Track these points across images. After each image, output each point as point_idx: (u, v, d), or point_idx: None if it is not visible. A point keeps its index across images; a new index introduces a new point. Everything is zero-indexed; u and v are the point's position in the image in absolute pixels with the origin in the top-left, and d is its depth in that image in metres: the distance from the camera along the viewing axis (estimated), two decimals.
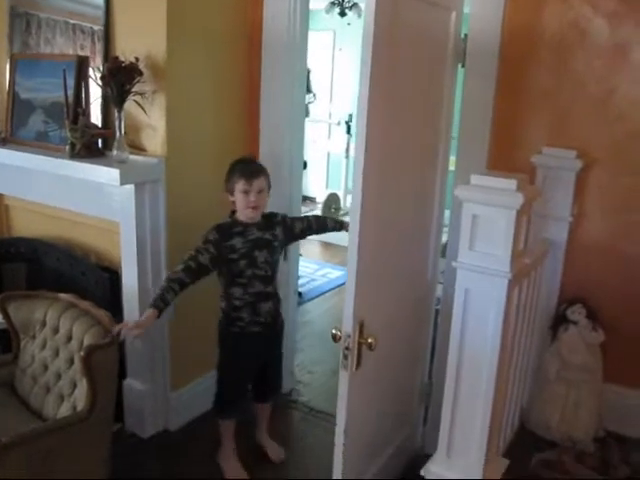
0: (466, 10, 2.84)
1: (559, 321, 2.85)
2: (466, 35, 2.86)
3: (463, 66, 2.90)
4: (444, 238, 3.19)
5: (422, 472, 2.31)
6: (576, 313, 2.80)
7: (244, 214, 2.93)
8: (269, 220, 3.04)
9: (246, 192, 2.88)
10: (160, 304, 2.71)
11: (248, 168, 2.93)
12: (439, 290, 3.27)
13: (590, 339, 2.79)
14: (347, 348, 2.19)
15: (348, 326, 2.19)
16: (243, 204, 2.90)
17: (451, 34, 2.78)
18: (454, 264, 2.10)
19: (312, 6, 3.56)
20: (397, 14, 2.15)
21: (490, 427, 2.22)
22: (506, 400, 2.49)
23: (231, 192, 2.93)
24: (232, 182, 2.91)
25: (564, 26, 2.74)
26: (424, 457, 3.14)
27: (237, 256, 2.91)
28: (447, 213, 3.06)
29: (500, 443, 2.53)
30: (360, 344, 2.23)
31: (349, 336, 2.18)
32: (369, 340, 2.22)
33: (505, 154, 2.94)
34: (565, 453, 2.75)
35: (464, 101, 2.97)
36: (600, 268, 2.85)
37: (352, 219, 2.15)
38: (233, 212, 2.99)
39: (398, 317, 2.79)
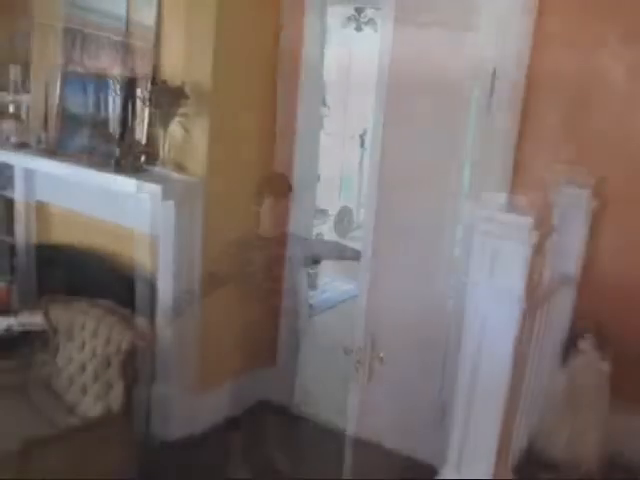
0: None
1: (570, 349, 2.99)
2: (494, 70, 3.03)
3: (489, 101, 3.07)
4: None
5: None
6: (586, 343, 2.94)
7: (266, 229, 3.14)
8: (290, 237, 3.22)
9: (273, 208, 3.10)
10: None
11: (278, 185, 3.17)
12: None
13: (599, 367, 2.92)
14: (358, 362, 2.34)
15: (360, 339, 2.32)
16: (269, 219, 3.13)
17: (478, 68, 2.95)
18: (469, 293, 2.26)
19: (328, 21, 3.73)
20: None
21: (500, 443, 2.36)
22: (515, 421, 2.63)
23: (259, 205, 3.13)
24: (261, 196, 3.11)
25: (586, 71, 2.91)
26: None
27: None
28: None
29: (508, 462, 2.67)
30: (371, 358, 2.37)
31: (360, 349, 2.33)
32: (380, 354, 2.36)
33: (525, 186, 3.09)
34: (570, 475, 2.88)
35: (486, 133, 3.13)
36: (612, 301, 2.99)
37: (366, 234, 2.29)
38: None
39: (410, 330, 2.92)
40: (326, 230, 7.66)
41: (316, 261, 3.59)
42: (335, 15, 4.13)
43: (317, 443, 3.77)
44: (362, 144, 8.07)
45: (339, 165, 8.59)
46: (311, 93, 3.66)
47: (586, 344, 2.94)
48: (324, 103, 3.91)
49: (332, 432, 3.75)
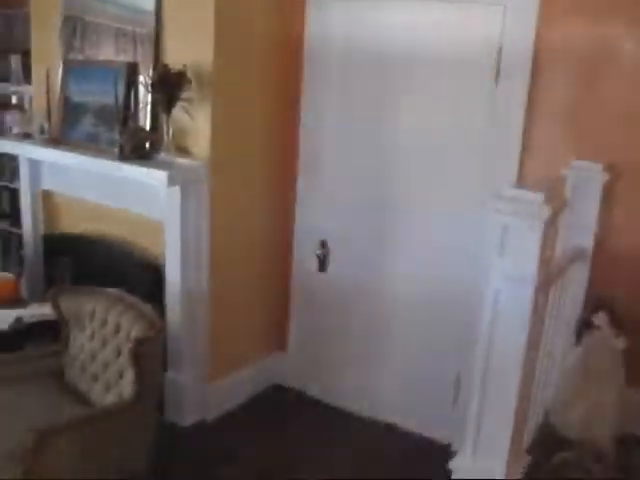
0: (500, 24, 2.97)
1: (584, 326, 2.96)
2: (500, 49, 2.99)
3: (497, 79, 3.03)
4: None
5: (450, 466, 2.43)
6: (600, 319, 2.90)
7: None
8: None
9: None
10: None
11: None
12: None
13: (613, 344, 2.89)
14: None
15: None
16: None
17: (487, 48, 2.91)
18: (485, 270, 2.23)
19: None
20: None
21: (515, 425, 2.34)
22: (531, 399, 2.61)
23: None
24: None
25: (595, 44, 2.85)
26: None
27: None
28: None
29: (524, 440, 2.65)
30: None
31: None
32: None
33: (535, 164, 3.07)
34: (585, 453, 2.86)
35: (496, 112, 3.10)
36: (625, 276, 2.96)
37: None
38: None
39: None
40: None
41: (324, 243, 3.57)
42: None
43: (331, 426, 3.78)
44: None
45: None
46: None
47: (600, 320, 2.90)
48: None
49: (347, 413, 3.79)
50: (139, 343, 2.76)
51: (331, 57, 3.51)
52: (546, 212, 2.07)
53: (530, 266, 2.14)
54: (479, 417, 2.40)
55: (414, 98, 3.31)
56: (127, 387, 2.90)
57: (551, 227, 2.18)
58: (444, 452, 3.39)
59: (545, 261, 2.21)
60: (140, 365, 2.77)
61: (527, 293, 2.17)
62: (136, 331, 2.91)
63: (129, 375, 2.88)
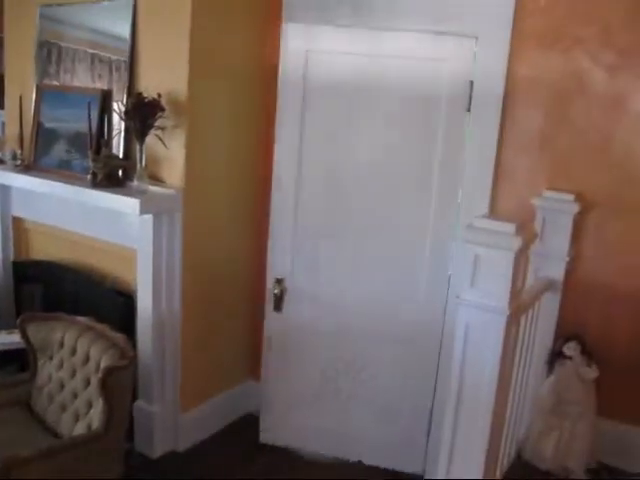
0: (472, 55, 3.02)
1: (555, 356, 2.97)
2: (472, 82, 3.03)
3: (469, 111, 3.06)
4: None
5: None
6: (572, 349, 2.92)
7: None
8: None
9: None
10: None
11: None
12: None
13: (585, 374, 2.90)
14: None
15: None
16: None
17: (458, 81, 2.95)
18: (456, 300, 2.24)
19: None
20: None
21: (487, 455, 2.33)
22: (503, 430, 2.60)
23: None
24: None
25: (565, 75, 2.91)
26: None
27: None
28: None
29: (497, 472, 2.64)
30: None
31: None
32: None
33: (507, 193, 3.11)
34: None
35: (469, 142, 3.13)
36: (596, 306, 2.99)
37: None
38: None
39: None
40: None
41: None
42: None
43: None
44: None
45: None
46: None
47: (572, 350, 2.92)
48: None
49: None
50: (108, 373, 2.72)
51: (304, 87, 3.52)
52: (518, 243, 2.09)
53: (502, 296, 2.15)
54: (452, 448, 2.39)
55: (381, 129, 3.30)
56: (96, 417, 2.85)
57: (522, 257, 2.20)
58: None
59: (517, 291, 2.22)
60: (109, 395, 2.73)
61: (499, 323, 2.18)
62: (105, 360, 2.87)
63: (98, 405, 2.83)
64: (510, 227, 2.12)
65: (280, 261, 3.58)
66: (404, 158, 3.23)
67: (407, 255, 3.31)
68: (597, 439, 2.95)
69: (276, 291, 3.53)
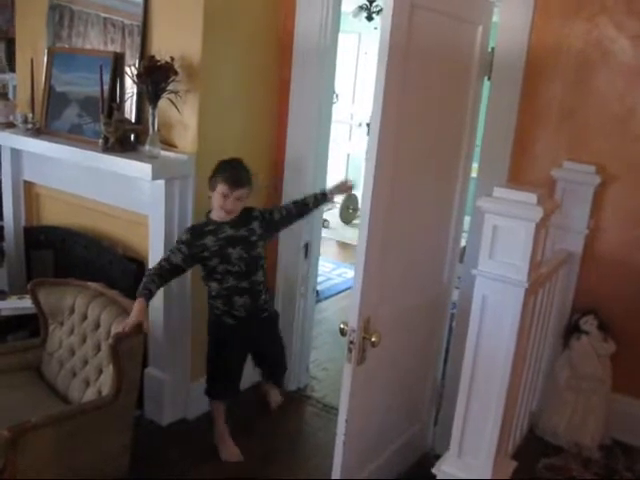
0: (495, 19, 2.92)
1: (571, 330, 2.93)
2: (493, 48, 2.95)
3: (489, 79, 2.98)
4: (463, 243, 3.29)
5: (434, 470, 2.39)
6: (588, 323, 2.88)
7: (217, 214, 3.06)
8: (245, 216, 3.12)
9: (225, 196, 2.99)
10: (147, 293, 2.88)
11: (234, 175, 3.00)
12: (455, 294, 3.36)
13: (601, 350, 2.86)
14: (352, 342, 2.30)
15: (353, 321, 2.30)
16: (218, 204, 3.02)
17: (477, 47, 2.86)
18: (473, 271, 2.19)
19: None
20: (415, 28, 2.25)
21: (501, 429, 2.30)
22: (517, 404, 2.57)
23: (212, 189, 3.03)
24: (215, 182, 3.01)
25: (589, 44, 2.81)
26: (434, 457, 3.26)
27: (209, 254, 3.05)
28: (467, 219, 3.15)
29: (509, 446, 2.61)
30: (364, 339, 2.34)
31: (354, 331, 2.29)
32: (373, 338, 2.34)
33: (526, 165, 3.03)
34: (571, 459, 2.83)
35: (488, 112, 3.06)
36: (614, 280, 2.92)
37: (362, 216, 2.26)
38: (209, 211, 3.11)
39: (409, 317, 2.88)
40: (331, 216, 7.69)
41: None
42: (347, 3, 4.03)
43: (322, 426, 3.74)
44: (369, 132, 8.05)
45: (345, 153, 8.62)
46: (323, 79, 3.57)
47: (589, 324, 2.87)
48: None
49: (335, 414, 3.72)
50: (119, 340, 2.69)
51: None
52: (539, 213, 2.03)
53: (521, 269, 2.10)
54: (465, 421, 2.36)
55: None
56: (106, 384, 2.84)
57: (543, 229, 2.15)
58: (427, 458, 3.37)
59: (536, 264, 2.17)
60: (120, 362, 2.71)
61: (518, 296, 2.13)
62: (117, 327, 2.84)
63: (108, 372, 2.82)
64: (531, 197, 2.06)
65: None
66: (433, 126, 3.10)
67: (437, 231, 3.13)
68: (611, 415, 2.92)
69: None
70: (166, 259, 3.01)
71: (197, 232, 3.05)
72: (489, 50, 2.94)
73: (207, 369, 3.30)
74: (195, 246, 3.01)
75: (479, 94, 2.99)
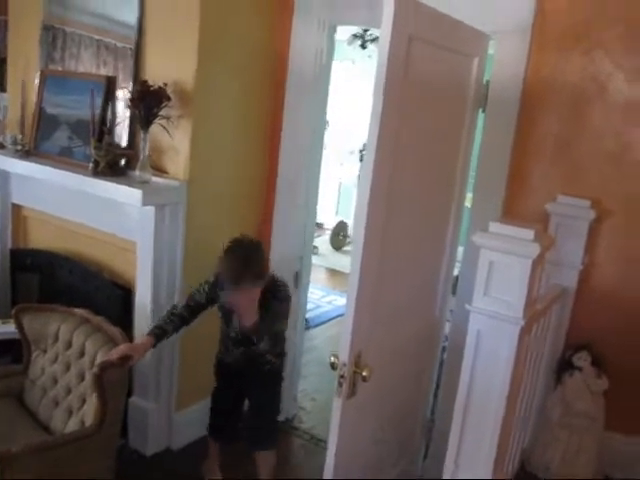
0: (491, 52, 2.92)
1: (564, 366, 2.89)
2: (488, 81, 2.94)
3: (484, 111, 2.97)
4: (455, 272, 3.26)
5: None
6: (582, 359, 2.84)
7: None
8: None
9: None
10: (159, 332, 2.81)
11: (228, 272, 2.69)
12: (447, 327, 3.32)
13: (594, 386, 2.82)
14: (342, 376, 2.25)
15: (344, 355, 2.24)
16: None
17: (472, 80, 2.85)
18: (468, 307, 2.15)
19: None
20: (412, 58, 2.23)
21: (494, 467, 2.25)
22: (510, 441, 2.53)
23: None
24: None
25: (585, 79, 2.81)
26: None
27: (220, 303, 2.91)
28: (461, 249, 3.13)
29: None
30: (355, 373, 2.28)
31: (345, 365, 2.23)
32: (364, 372, 2.28)
33: (521, 197, 3.02)
34: None
35: (483, 144, 3.06)
36: (608, 316, 2.89)
37: (355, 247, 2.22)
38: None
39: (400, 351, 2.83)
40: (321, 243, 7.67)
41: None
42: (341, 31, 4.01)
43: (309, 458, 3.69)
44: (361, 159, 8.07)
45: (337, 180, 8.61)
46: (316, 105, 3.57)
47: (582, 361, 2.84)
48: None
49: (323, 447, 3.66)
50: (103, 369, 2.63)
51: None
52: (536, 250, 2.01)
53: (517, 306, 2.07)
54: (457, 457, 2.31)
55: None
56: (89, 413, 2.77)
57: (539, 265, 2.12)
58: None
59: (532, 301, 2.14)
60: (104, 392, 2.64)
61: (513, 333, 2.10)
62: (101, 356, 2.78)
63: (92, 401, 2.75)
64: (528, 233, 2.04)
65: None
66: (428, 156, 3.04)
67: (431, 263, 3.07)
68: (604, 452, 2.87)
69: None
70: (192, 297, 2.90)
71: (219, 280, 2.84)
72: (484, 82, 2.93)
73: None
74: (214, 291, 2.87)
75: (474, 126, 2.98)
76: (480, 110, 2.97)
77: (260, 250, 2.78)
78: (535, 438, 2.97)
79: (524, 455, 2.95)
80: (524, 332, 2.13)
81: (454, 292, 3.25)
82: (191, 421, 3.55)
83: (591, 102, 2.82)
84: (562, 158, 2.91)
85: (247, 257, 2.69)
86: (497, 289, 2.10)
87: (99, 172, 3.21)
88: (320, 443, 3.74)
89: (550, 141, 2.93)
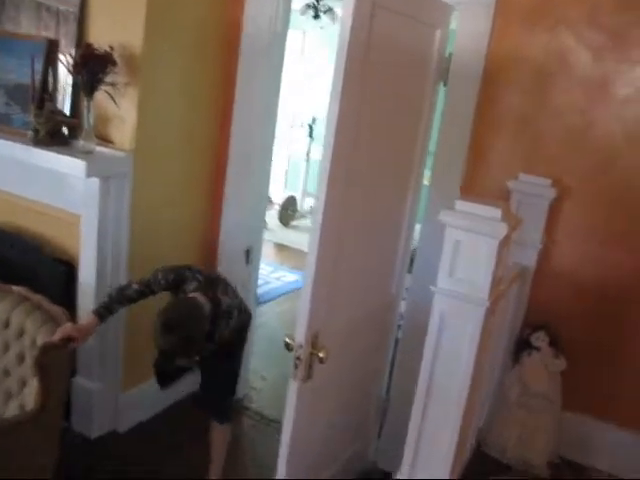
0: (453, 26, 2.83)
1: (522, 346, 2.87)
2: (450, 54, 2.85)
3: (445, 85, 2.88)
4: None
5: None
6: (540, 339, 2.82)
7: None
8: None
9: None
10: (104, 312, 2.68)
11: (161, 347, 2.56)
12: (403, 305, 3.26)
13: (552, 366, 2.81)
14: (298, 358, 2.17)
15: (300, 336, 2.16)
16: None
17: (434, 52, 2.77)
18: (432, 289, 2.08)
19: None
20: (375, 28, 2.13)
21: (455, 452, 2.21)
22: (471, 423, 2.49)
23: None
24: None
25: (548, 55, 2.76)
26: (377, 472, 3.17)
27: None
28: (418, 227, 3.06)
29: (462, 466, 2.53)
30: (312, 355, 2.20)
31: (301, 347, 2.15)
32: (320, 354, 2.20)
33: (481, 174, 2.96)
34: (519, 478, 2.77)
35: (443, 119, 2.98)
36: (566, 296, 2.88)
37: (313, 229, 2.13)
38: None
39: (356, 330, 2.77)
40: (269, 218, 7.51)
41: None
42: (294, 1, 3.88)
43: (260, 439, 3.62)
44: (310, 133, 7.92)
45: (286, 154, 8.43)
46: (269, 76, 3.43)
47: (540, 341, 2.81)
48: None
49: (273, 427, 3.59)
50: (45, 351, 2.48)
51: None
52: (503, 230, 1.94)
53: (483, 287, 2.01)
54: (418, 440, 2.26)
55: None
56: (30, 397, 2.61)
57: (506, 245, 2.05)
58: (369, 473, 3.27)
59: (498, 282, 2.08)
60: (46, 375, 2.49)
61: (478, 315, 2.04)
62: (42, 337, 2.62)
63: (33, 384, 2.59)
64: (495, 212, 1.97)
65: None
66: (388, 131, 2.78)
67: (388, 240, 2.99)
68: (560, 433, 2.86)
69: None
70: (148, 284, 2.71)
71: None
72: (447, 55, 2.84)
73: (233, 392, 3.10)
74: (171, 286, 2.73)
75: (434, 100, 2.89)
76: (442, 84, 2.88)
77: (196, 319, 2.54)
78: (491, 418, 2.94)
79: (480, 435, 2.92)
80: (489, 313, 2.07)
81: (410, 270, 3.19)
82: (139, 402, 3.44)
83: (554, 78, 2.77)
84: (524, 134, 2.86)
85: (183, 338, 2.48)
86: (463, 270, 2.02)
87: (39, 141, 3.01)
88: (271, 424, 3.66)
89: (512, 117, 2.87)
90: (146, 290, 2.72)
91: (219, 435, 3.03)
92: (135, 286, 2.72)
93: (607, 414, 2.91)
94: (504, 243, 2.00)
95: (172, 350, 2.52)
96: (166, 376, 3.00)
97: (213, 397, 2.99)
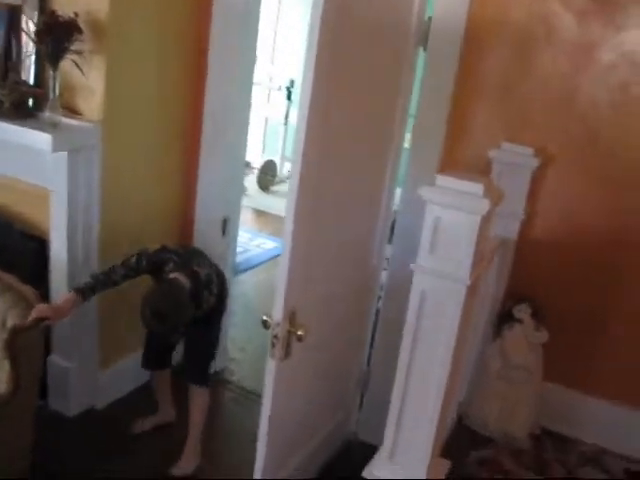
0: None
1: (504, 318, 2.84)
2: (430, 17, 2.75)
3: (425, 49, 2.79)
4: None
5: (364, 474, 2.25)
6: (522, 312, 2.79)
7: None
8: None
9: None
10: (89, 293, 2.71)
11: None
12: (383, 276, 3.21)
13: (534, 339, 2.78)
14: (275, 337, 2.10)
15: (278, 313, 2.08)
16: None
17: (414, 15, 2.67)
18: (412, 267, 2.02)
19: None
20: None
21: (437, 428, 2.18)
22: (452, 400, 2.46)
23: None
24: None
25: (532, 18, 2.67)
26: (357, 444, 3.15)
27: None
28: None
29: (441, 445, 2.50)
30: (289, 333, 2.14)
31: (278, 324, 2.08)
32: (299, 332, 2.13)
33: (462, 140, 2.89)
34: (501, 450, 2.76)
35: (423, 83, 2.88)
36: (549, 268, 2.84)
37: (289, 200, 2.03)
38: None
39: (336, 304, 2.72)
40: (248, 183, 7.39)
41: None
42: None
43: (240, 412, 3.59)
44: (289, 96, 7.74)
45: (263, 118, 8.25)
46: (245, 38, 3.33)
47: (522, 313, 2.78)
48: None
49: (253, 400, 3.55)
50: (15, 333, 2.40)
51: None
52: (485, 206, 1.88)
53: (464, 265, 1.95)
54: (399, 417, 2.22)
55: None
56: (1, 381, 2.54)
57: (488, 222, 1.99)
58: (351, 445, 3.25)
59: (479, 259, 2.02)
60: (17, 358, 2.42)
61: (459, 293, 1.99)
62: (13, 318, 2.53)
63: (4, 368, 2.52)
64: (478, 187, 1.90)
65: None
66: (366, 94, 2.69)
67: (368, 209, 2.93)
68: (541, 404, 2.85)
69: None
70: (134, 269, 2.78)
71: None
72: (426, 19, 2.74)
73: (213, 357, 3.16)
74: (152, 265, 2.82)
75: (414, 64, 2.81)
76: (421, 48, 2.78)
77: (183, 304, 2.66)
78: (472, 391, 2.92)
79: (461, 409, 2.90)
80: (470, 292, 2.02)
81: (390, 240, 3.13)
82: (117, 378, 3.38)
83: (537, 43, 2.69)
84: (506, 101, 2.79)
85: (174, 323, 2.66)
86: (444, 247, 1.96)
87: (3, 113, 2.88)
88: (251, 395, 3.63)
89: (494, 83, 2.80)
90: (131, 273, 2.77)
91: (199, 398, 3.02)
92: (121, 270, 2.75)
93: (589, 385, 2.90)
94: (486, 219, 1.94)
95: (164, 333, 2.81)
96: (153, 357, 3.10)
97: (195, 363, 3.04)
